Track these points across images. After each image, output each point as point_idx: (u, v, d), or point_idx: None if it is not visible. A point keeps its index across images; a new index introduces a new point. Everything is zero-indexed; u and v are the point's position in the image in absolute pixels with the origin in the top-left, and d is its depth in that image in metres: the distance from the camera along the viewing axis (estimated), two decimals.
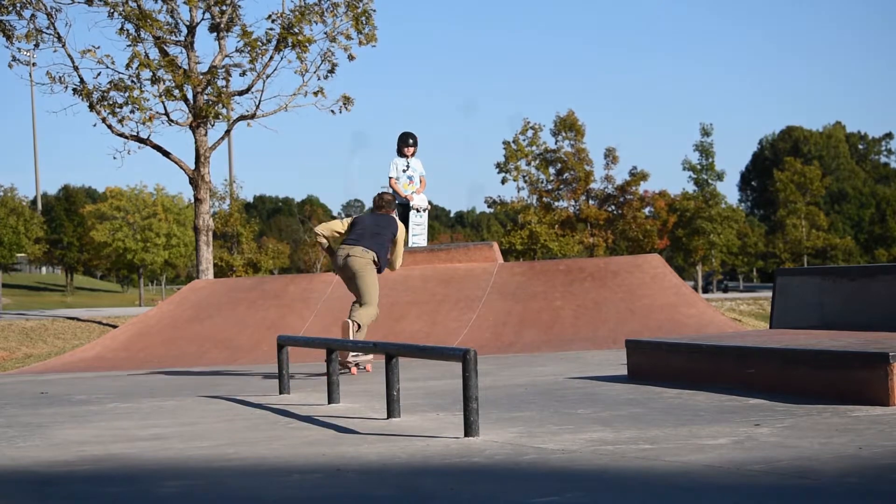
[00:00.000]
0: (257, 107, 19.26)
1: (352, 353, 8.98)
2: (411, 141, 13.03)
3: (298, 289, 13.08)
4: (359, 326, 8.84)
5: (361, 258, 8.86)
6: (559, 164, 54.08)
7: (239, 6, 19.29)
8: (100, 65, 18.51)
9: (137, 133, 18.91)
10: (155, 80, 18.55)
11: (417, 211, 13.31)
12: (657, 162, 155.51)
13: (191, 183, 19.15)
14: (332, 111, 19.46)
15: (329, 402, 6.55)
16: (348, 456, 4.57)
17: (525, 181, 53.45)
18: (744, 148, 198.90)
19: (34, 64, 23.07)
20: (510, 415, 5.70)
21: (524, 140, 52.80)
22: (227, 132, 19.84)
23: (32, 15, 18.53)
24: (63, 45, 18.58)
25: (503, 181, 53.07)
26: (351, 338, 8.53)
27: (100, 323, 19.23)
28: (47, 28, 18.55)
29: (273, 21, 19.08)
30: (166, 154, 19.16)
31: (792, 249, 71.78)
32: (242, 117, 19.37)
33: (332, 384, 6.58)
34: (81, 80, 18.57)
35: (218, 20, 19.05)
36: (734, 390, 6.23)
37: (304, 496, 3.81)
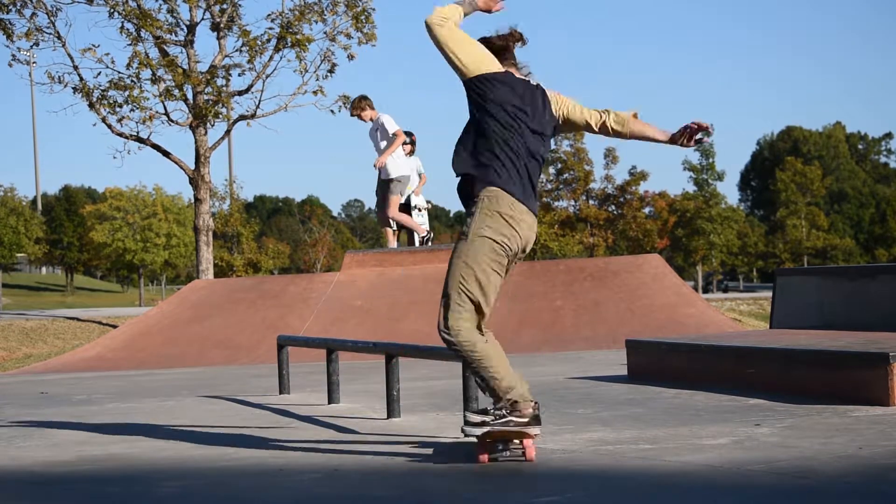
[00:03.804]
0: (257, 107, 19.28)
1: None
2: (408, 140, 13.27)
3: (298, 289, 13.08)
4: None
5: None
6: (559, 164, 54.11)
7: (239, 5, 19.30)
8: (100, 64, 18.53)
9: (137, 133, 18.92)
10: (155, 80, 18.56)
11: (419, 210, 13.36)
12: (657, 162, 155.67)
13: (191, 183, 19.15)
14: (332, 111, 19.48)
15: (329, 402, 6.55)
16: (348, 456, 4.57)
17: None
18: (744, 148, 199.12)
19: (34, 63, 23.12)
20: None
21: None
22: (227, 132, 19.85)
23: (33, 14, 18.54)
24: (63, 45, 18.59)
25: None
26: None
27: (100, 323, 19.22)
28: (47, 27, 18.56)
29: (272, 20, 19.09)
30: (166, 154, 19.17)
31: (792, 249, 71.83)
32: (242, 117, 19.38)
33: (332, 384, 6.58)
34: (81, 80, 18.58)
35: (218, 20, 19.06)
36: (734, 390, 6.23)
37: (304, 496, 3.81)
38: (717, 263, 68.16)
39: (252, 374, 9.58)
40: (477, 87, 4.22)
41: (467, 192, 4.26)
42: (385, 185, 12.53)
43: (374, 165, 12.43)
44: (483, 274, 4.14)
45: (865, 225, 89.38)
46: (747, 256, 75.31)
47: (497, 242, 4.14)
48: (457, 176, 4.30)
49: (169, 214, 57.58)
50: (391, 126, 12.37)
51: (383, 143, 12.39)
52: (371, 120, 12.51)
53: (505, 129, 4.17)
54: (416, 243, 13.28)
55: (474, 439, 4.26)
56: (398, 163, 12.44)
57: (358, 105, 12.62)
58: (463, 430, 4.20)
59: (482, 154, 4.19)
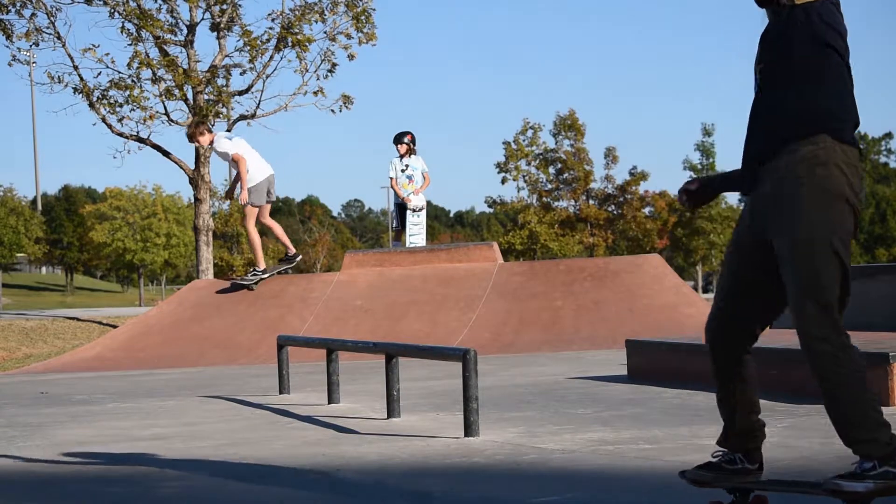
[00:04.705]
0: (257, 106, 19.26)
1: None
2: (404, 139, 13.33)
3: (298, 289, 13.07)
4: None
5: None
6: (559, 164, 54.13)
7: (239, 5, 19.28)
8: (100, 64, 18.52)
9: (137, 133, 18.91)
10: (155, 80, 18.56)
11: (414, 211, 13.36)
12: (657, 162, 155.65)
13: (191, 183, 19.15)
14: (332, 111, 19.48)
15: (329, 402, 6.55)
16: (348, 456, 4.57)
17: (525, 181, 53.51)
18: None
19: (34, 63, 23.11)
20: (510, 415, 5.70)
21: (524, 140, 52.85)
22: (227, 132, 19.83)
23: (32, 14, 18.52)
24: (63, 45, 18.58)
25: (503, 181, 53.15)
26: None
27: (100, 323, 19.21)
28: (47, 27, 18.55)
29: (273, 20, 19.09)
30: (166, 154, 19.17)
31: None
32: (243, 117, 19.37)
33: (332, 384, 6.58)
34: (81, 80, 18.58)
35: (218, 20, 19.06)
36: None
37: (304, 496, 3.81)
38: (718, 263, 68.17)
39: (252, 374, 9.58)
40: (826, 15, 3.07)
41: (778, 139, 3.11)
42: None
43: (240, 202, 12.09)
44: (848, 253, 3.07)
45: (865, 225, 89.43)
46: None
47: (853, 207, 3.08)
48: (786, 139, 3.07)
49: (169, 214, 57.62)
50: (227, 148, 11.94)
51: (234, 170, 12.10)
52: (210, 144, 12.22)
53: (848, 73, 3.15)
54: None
55: (475, 438, 4.21)
56: (256, 171, 12.08)
57: (194, 130, 12.23)
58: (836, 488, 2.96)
59: (828, 98, 3.08)
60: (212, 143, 12.21)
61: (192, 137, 12.38)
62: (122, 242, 56.95)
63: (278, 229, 12.77)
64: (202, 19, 19.17)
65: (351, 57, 19.35)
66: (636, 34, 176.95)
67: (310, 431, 5.45)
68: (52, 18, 18.50)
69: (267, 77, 19.16)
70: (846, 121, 3.08)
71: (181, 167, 19.05)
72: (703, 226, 59.76)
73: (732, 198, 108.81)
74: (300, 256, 12.97)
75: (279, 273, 12.85)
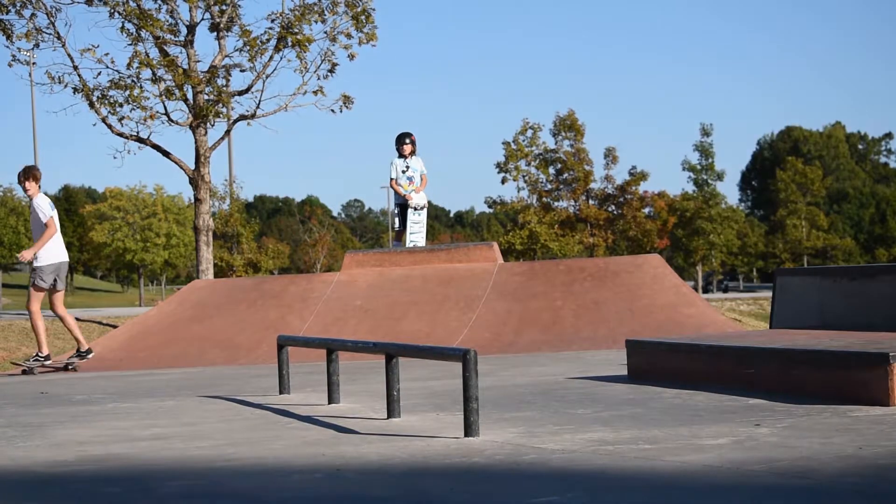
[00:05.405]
0: (257, 106, 19.29)
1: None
2: (407, 140, 13.39)
3: (298, 289, 13.07)
4: None
5: None
6: (559, 164, 54.16)
7: (239, 6, 19.31)
8: (100, 64, 18.54)
9: (137, 133, 18.94)
10: (155, 80, 18.57)
11: (415, 209, 13.38)
12: (657, 162, 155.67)
13: (191, 183, 19.16)
14: (332, 110, 19.51)
15: (329, 402, 6.54)
16: (348, 456, 4.57)
17: (525, 181, 53.54)
18: (743, 148, 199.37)
19: (34, 63, 23.14)
20: (510, 415, 5.70)
21: (524, 140, 52.87)
22: (227, 132, 19.85)
23: (32, 14, 18.54)
24: (63, 45, 18.59)
25: (503, 181, 53.19)
26: None
27: (100, 323, 19.21)
28: (47, 28, 18.57)
29: (273, 21, 19.10)
30: (166, 154, 19.18)
31: (792, 249, 71.93)
32: (242, 117, 19.38)
33: (332, 384, 6.58)
34: (81, 80, 18.59)
35: (218, 20, 19.06)
36: (734, 390, 6.23)
37: (304, 496, 3.81)
38: (717, 263, 68.19)
39: (252, 374, 9.58)
40: None
41: None
42: (31, 273, 11.50)
43: (19, 258, 11.28)
44: None
45: (865, 225, 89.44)
46: (747, 256, 75.41)
47: None
48: None
49: (169, 214, 57.72)
50: (43, 213, 11.18)
51: (37, 228, 11.30)
52: (32, 195, 11.31)
53: None
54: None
55: (475, 438, 4.23)
56: (49, 252, 11.27)
57: (23, 177, 11.39)
58: None
59: None
60: (33, 196, 11.33)
61: (20, 177, 11.49)
62: (122, 242, 57.05)
63: (70, 322, 11.56)
64: (202, 19, 19.19)
65: (351, 57, 19.38)
66: (636, 34, 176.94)
67: (310, 431, 5.45)
68: (52, 19, 18.53)
69: (267, 77, 19.21)
70: None
71: (181, 167, 19.06)
72: (703, 226, 59.79)
73: (732, 198, 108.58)
74: (92, 353, 11.54)
75: (68, 368, 11.38)
